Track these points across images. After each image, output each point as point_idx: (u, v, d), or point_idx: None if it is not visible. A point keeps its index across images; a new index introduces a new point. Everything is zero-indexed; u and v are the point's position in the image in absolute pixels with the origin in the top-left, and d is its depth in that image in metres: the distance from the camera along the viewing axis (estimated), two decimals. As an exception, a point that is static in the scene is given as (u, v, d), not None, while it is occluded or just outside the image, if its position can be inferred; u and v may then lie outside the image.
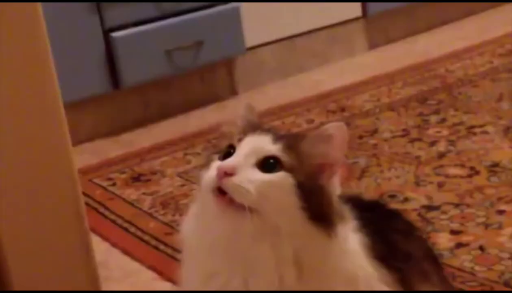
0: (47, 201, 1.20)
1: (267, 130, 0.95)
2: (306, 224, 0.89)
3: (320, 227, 0.90)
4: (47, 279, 1.21)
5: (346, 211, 0.97)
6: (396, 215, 1.09)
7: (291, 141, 0.93)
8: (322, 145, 0.92)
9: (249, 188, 0.87)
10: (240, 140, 0.92)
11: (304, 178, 0.90)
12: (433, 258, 1.07)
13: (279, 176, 0.89)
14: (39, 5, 1.15)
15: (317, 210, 0.90)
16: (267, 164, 0.90)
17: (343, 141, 0.92)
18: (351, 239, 0.94)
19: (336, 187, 0.93)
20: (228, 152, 0.92)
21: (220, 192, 0.88)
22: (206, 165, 0.92)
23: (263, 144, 0.91)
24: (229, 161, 0.89)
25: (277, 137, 0.93)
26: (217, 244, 0.92)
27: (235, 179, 0.87)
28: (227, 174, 0.87)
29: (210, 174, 0.89)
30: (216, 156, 0.93)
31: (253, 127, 0.95)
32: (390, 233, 1.01)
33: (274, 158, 0.90)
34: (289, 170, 0.90)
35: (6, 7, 1.12)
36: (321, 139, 0.92)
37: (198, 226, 0.94)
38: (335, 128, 0.92)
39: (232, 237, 0.91)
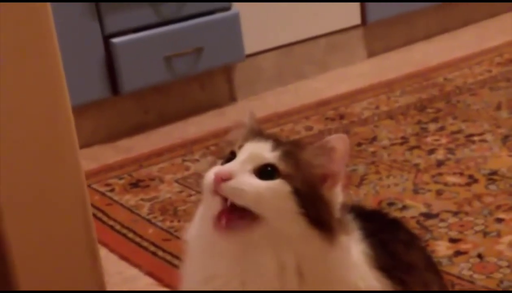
0: (55, 205, 1.20)
1: (268, 138, 0.95)
2: (307, 228, 0.90)
3: (321, 232, 0.90)
4: (55, 282, 1.21)
5: (349, 221, 0.97)
6: (397, 225, 1.09)
7: (291, 149, 0.94)
8: (323, 157, 0.93)
9: (245, 188, 0.88)
10: (240, 147, 0.93)
11: (301, 186, 0.90)
12: (434, 268, 1.08)
13: (274, 183, 0.90)
14: (48, 5, 1.15)
15: (317, 217, 0.90)
16: (265, 172, 0.91)
17: (345, 154, 0.93)
18: (354, 249, 0.95)
19: (338, 196, 0.94)
20: (230, 158, 0.93)
21: (218, 195, 0.89)
22: (210, 169, 0.93)
23: (261, 151, 0.92)
24: (226, 167, 0.91)
25: (276, 145, 0.93)
26: (217, 247, 0.92)
27: (232, 182, 0.89)
28: (223, 179, 0.88)
29: (209, 176, 0.90)
30: (220, 161, 0.95)
31: (255, 134, 0.96)
32: (392, 243, 1.01)
33: (271, 165, 0.91)
34: (286, 177, 0.90)
35: (16, 8, 1.12)
36: (323, 151, 0.93)
37: (201, 228, 0.95)
38: (337, 140, 0.93)
39: (232, 248, 0.92)
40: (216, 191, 0.89)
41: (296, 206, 0.89)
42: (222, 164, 0.93)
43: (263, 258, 0.90)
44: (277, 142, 0.94)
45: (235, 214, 0.89)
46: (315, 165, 0.92)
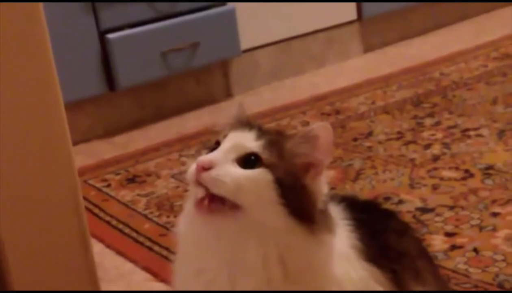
0: (48, 201, 1.20)
1: (252, 127, 0.95)
2: (288, 220, 0.90)
3: (302, 223, 0.90)
4: (47, 278, 1.21)
5: (336, 212, 0.97)
6: (390, 214, 1.09)
7: (275, 139, 0.94)
8: (306, 146, 0.92)
9: (225, 179, 0.88)
10: (225, 136, 0.94)
11: (284, 175, 0.90)
12: (427, 256, 1.08)
13: (257, 172, 0.90)
14: (41, 5, 1.15)
15: (298, 207, 0.90)
16: (248, 161, 0.91)
17: (329, 142, 0.92)
18: (341, 241, 0.95)
19: (321, 186, 0.93)
20: (215, 147, 0.93)
21: (200, 184, 0.89)
22: (194, 160, 0.93)
23: (245, 141, 0.92)
24: (208, 156, 0.91)
25: (261, 134, 0.93)
26: (204, 240, 0.93)
27: (212, 172, 0.89)
28: (205, 168, 0.89)
29: (192, 167, 0.91)
30: (205, 151, 0.95)
31: (241, 124, 0.96)
32: (383, 233, 1.02)
33: (254, 154, 0.91)
34: (269, 166, 0.90)
35: (7, 8, 1.12)
36: (306, 140, 0.93)
37: (189, 221, 0.95)
38: (321, 129, 0.92)
39: (217, 237, 0.92)
40: (197, 181, 0.89)
41: (277, 196, 0.89)
42: (207, 153, 0.93)
43: (247, 247, 0.90)
44: (262, 132, 0.94)
45: (218, 200, 0.89)
46: (298, 154, 0.92)
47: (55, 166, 1.20)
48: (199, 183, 0.89)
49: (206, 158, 0.90)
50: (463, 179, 1.85)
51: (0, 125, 1.14)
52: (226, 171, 0.89)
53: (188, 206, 0.96)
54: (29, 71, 1.16)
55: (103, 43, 2.38)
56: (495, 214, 1.67)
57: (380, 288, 0.95)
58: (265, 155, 0.91)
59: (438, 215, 1.70)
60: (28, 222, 1.19)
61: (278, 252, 0.90)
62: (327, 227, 0.93)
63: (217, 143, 0.94)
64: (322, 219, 0.92)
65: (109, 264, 1.68)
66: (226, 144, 0.92)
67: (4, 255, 1.17)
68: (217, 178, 0.88)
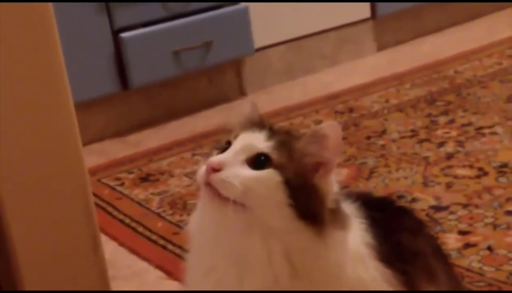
0: (58, 199, 1.20)
1: (263, 128, 0.95)
2: (295, 221, 0.89)
3: (309, 225, 0.90)
4: (57, 277, 1.21)
5: (351, 210, 0.97)
6: (405, 212, 1.09)
7: (285, 139, 0.94)
8: (315, 145, 0.92)
9: (234, 182, 0.88)
10: (236, 136, 0.93)
11: (293, 176, 0.90)
12: (441, 255, 1.07)
13: (266, 173, 0.90)
14: (50, 5, 1.15)
15: (307, 208, 0.90)
16: (258, 161, 0.90)
17: (338, 141, 0.92)
18: (355, 240, 0.94)
19: (331, 185, 0.93)
20: (226, 148, 0.93)
21: (209, 186, 0.89)
22: (207, 159, 0.93)
23: (255, 141, 0.92)
24: (218, 157, 0.91)
25: (271, 135, 0.93)
26: (214, 239, 0.93)
27: (221, 174, 0.89)
28: (215, 169, 0.88)
29: (202, 168, 0.90)
30: (216, 151, 0.94)
31: (252, 124, 0.96)
32: (397, 231, 1.01)
33: (264, 155, 0.91)
34: (279, 167, 0.90)
35: (16, 7, 1.12)
36: (315, 139, 0.92)
37: (200, 220, 0.95)
38: (329, 127, 0.92)
39: (220, 230, 0.92)
40: (207, 182, 0.89)
41: (285, 197, 0.89)
42: (218, 153, 0.93)
43: (252, 243, 0.90)
44: (272, 132, 0.94)
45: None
46: (308, 153, 0.92)
47: (65, 165, 1.20)
48: (208, 184, 0.89)
49: (215, 159, 0.90)
50: (477, 177, 1.85)
51: (8, 125, 1.14)
52: (235, 173, 0.89)
53: (200, 205, 0.96)
54: (38, 70, 1.16)
55: (117, 42, 2.38)
56: (509, 212, 1.66)
57: (392, 290, 0.95)
58: (275, 156, 0.91)
59: (452, 213, 1.69)
60: (38, 221, 1.19)
61: (283, 251, 0.90)
62: (340, 224, 0.92)
63: (228, 144, 0.93)
64: (333, 219, 0.91)
65: (122, 263, 1.68)
66: (236, 145, 0.92)
67: (14, 254, 1.17)
68: (226, 181, 0.88)
